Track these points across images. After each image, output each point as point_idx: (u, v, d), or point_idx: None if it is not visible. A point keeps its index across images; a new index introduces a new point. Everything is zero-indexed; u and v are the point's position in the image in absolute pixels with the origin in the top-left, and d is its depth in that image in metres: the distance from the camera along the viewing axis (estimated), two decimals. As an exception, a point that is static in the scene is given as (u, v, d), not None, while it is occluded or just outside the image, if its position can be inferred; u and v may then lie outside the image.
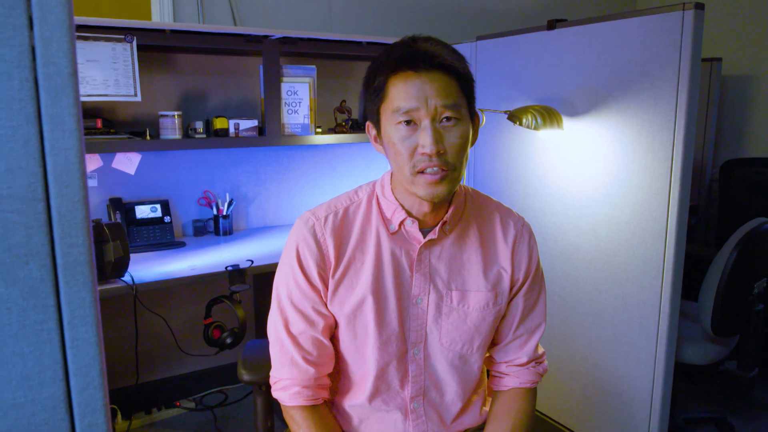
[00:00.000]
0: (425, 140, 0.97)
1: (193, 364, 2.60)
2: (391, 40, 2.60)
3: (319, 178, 2.83)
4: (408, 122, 0.99)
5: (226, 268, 1.98)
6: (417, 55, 0.99)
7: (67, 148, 0.53)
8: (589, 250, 2.08)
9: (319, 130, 2.58)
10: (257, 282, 2.52)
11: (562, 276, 2.18)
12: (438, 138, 0.98)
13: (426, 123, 0.98)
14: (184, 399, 2.56)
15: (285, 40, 2.37)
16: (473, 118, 1.05)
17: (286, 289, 1.10)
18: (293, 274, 1.09)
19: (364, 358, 1.10)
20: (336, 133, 2.64)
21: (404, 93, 0.99)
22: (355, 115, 2.78)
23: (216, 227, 2.51)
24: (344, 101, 2.72)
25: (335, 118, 2.71)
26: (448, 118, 0.99)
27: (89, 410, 0.55)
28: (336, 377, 1.15)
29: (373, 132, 1.08)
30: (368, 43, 2.57)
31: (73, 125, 0.53)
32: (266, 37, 2.33)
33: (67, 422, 0.55)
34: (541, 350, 1.20)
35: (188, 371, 2.60)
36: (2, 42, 0.50)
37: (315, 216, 1.10)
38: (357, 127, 2.71)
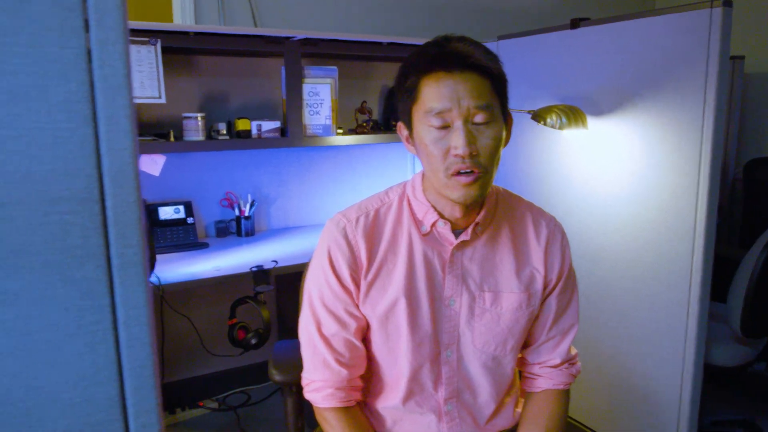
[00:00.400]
0: (458, 141, 0.97)
1: (216, 365, 2.62)
2: (411, 41, 2.61)
3: (340, 178, 2.84)
4: (439, 123, 0.98)
5: (251, 269, 1.99)
6: (449, 55, 0.99)
7: (122, 148, 0.53)
8: (614, 249, 2.06)
9: (340, 131, 2.58)
10: (280, 283, 2.53)
11: (587, 276, 2.16)
12: (471, 139, 0.97)
13: (458, 124, 0.97)
14: (207, 399, 2.58)
15: (306, 42, 2.38)
16: (506, 118, 1.05)
17: (317, 290, 1.10)
18: (325, 275, 1.09)
19: (396, 360, 1.10)
20: (357, 134, 2.64)
21: (436, 93, 0.98)
22: (376, 116, 2.79)
23: (238, 228, 2.52)
24: (365, 102, 2.72)
25: (356, 119, 2.72)
26: (481, 119, 0.98)
27: (143, 410, 0.56)
28: (368, 379, 1.15)
29: (405, 133, 1.08)
30: (389, 44, 2.57)
31: (127, 126, 0.53)
32: (288, 38, 2.34)
33: (121, 423, 0.55)
34: (574, 351, 1.19)
35: (211, 371, 2.62)
36: (60, 44, 0.50)
37: (346, 217, 1.10)
38: (377, 128, 2.71)
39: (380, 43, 2.57)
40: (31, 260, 0.50)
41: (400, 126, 1.09)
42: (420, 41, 2.63)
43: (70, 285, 0.52)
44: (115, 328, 0.54)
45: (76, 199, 0.51)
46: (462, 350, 1.10)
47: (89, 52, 0.52)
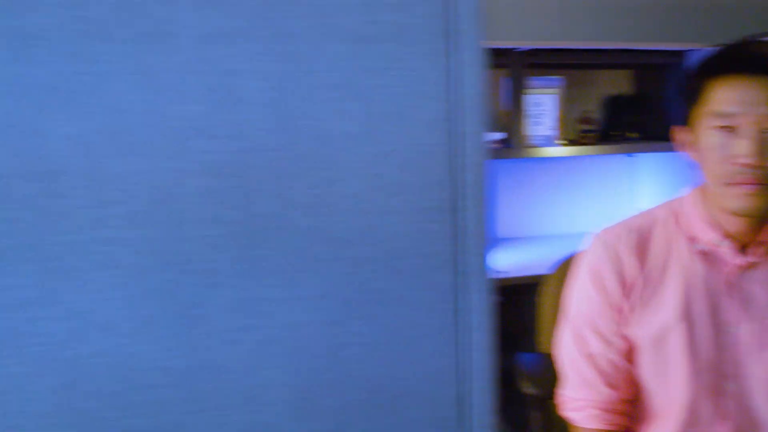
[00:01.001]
0: (745, 149, 0.89)
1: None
2: (639, 46, 2.47)
3: (557, 190, 2.77)
4: (725, 128, 0.91)
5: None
6: (745, 58, 0.92)
7: (478, 163, 0.56)
8: None
9: (561, 141, 2.53)
10: (500, 293, 2.54)
11: None
12: (760, 149, 0.89)
13: (747, 130, 0.89)
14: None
15: (531, 52, 2.36)
16: None
17: (581, 308, 1.08)
18: (590, 293, 1.06)
19: (669, 388, 1.03)
20: (578, 144, 2.56)
21: (725, 97, 0.91)
22: (597, 126, 2.67)
23: (455, 237, 2.58)
24: (589, 112, 2.63)
25: (578, 130, 2.63)
26: None
27: (483, 411, 0.59)
28: (636, 405, 1.10)
29: (684, 138, 1.02)
30: (614, 51, 2.47)
31: (482, 142, 0.57)
32: (511, 50, 2.34)
33: (463, 421, 0.59)
34: None
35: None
36: (430, 67, 0.55)
37: (613, 234, 1.06)
38: (599, 138, 2.60)
39: (603, 50, 2.47)
40: (399, 264, 0.55)
41: (679, 131, 1.03)
42: (649, 45, 2.49)
43: (428, 289, 0.56)
44: (464, 332, 0.58)
45: (439, 209, 0.56)
46: (747, 383, 1.00)
47: (450, 74, 0.56)
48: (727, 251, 0.99)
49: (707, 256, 1.01)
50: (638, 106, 2.78)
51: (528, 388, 1.28)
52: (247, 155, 0.51)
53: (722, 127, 0.92)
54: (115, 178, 0.50)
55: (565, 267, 1.41)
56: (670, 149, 2.72)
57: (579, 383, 1.07)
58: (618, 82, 2.84)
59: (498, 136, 2.40)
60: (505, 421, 2.18)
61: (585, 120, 2.61)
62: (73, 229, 0.50)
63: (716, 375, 1.01)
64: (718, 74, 0.93)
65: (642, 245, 1.04)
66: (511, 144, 2.39)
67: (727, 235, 0.99)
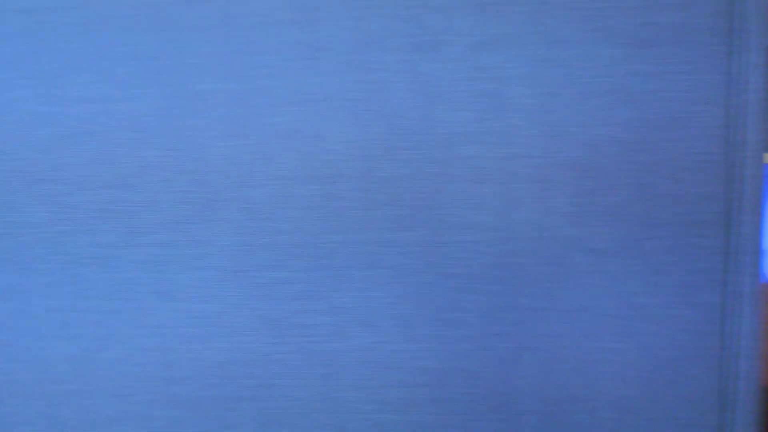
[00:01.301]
0: None
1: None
2: None
3: None
4: None
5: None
6: None
7: (754, 175, 0.52)
8: None
9: None
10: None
11: None
12: None
13: None
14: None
15: None
16: None
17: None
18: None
19: None
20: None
21: None
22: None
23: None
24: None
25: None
26: None
27: (748, 445, 0.54)
28: None
29: None
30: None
31: (760, 153, 0.52)
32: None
33: (724, 453, 0.54)
34: None
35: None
36: (709, 70, 0.51)
37: None
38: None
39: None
40: (663, 279, 0.52)
41: None
42: None
43: (694, 308, 0.53)
44: (729, 358, 0.53)
45: (710, 224, 0.52)
46: None
47: (731, 77, 0.52)
48: None
49: None
50: None
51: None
52: (511, 162, 0.51)
53: None
54: (385, 181, 0.52)
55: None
56: None
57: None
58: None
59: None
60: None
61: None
62: (345, 229, 0.53)
63: None
64: None
65: None
66: None
67: None
